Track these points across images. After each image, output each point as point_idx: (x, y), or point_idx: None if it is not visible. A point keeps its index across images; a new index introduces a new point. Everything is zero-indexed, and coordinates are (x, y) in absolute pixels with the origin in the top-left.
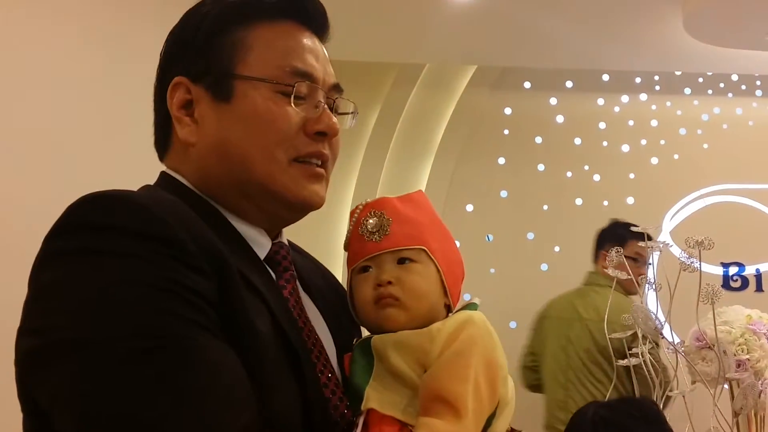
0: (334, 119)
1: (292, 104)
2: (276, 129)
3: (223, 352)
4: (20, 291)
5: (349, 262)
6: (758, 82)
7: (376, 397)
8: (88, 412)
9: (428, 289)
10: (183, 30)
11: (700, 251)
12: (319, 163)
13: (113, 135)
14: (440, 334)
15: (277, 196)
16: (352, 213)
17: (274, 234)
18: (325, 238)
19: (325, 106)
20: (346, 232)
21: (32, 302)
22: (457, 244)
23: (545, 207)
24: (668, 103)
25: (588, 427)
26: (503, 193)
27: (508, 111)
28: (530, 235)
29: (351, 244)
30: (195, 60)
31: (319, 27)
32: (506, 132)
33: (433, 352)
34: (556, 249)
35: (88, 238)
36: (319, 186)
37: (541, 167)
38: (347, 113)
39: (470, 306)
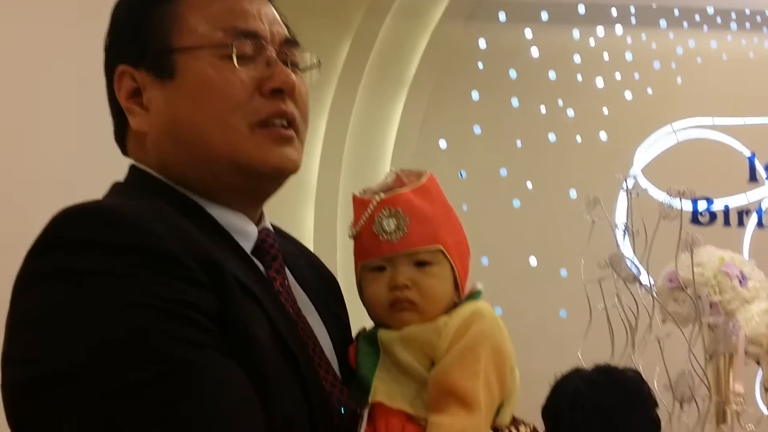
0: (291, 74)
1: (237, 65)
2: (225, 96)
3: (227, 370)
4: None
5: (359, 256)
6: (733, 15)
7: (383, 390)
8: None
9: (444, 292)
10: (116, 17)
11: (681, 201)
12: (286, 123)
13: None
14: (448, 328)
15: (243, 167)
16: (360, 202)
17: (257, 216)
18: (297, 180)
19: (278, 61)
20: (353, 222)
21: (16, 328)
22: None
23: (518, 143)
24: (643, 36)
25: (567, 402)
26: (476, 129)
27: (482, 44)
28: (503, 172)
29: (362, 239)
30: (131, 45)
31: None
32: (480, 66)
33: (441, 346)
34: (529, 185)
35: (72, 256)
36: (290, 149)
37: (515, 102)
38: (309, 68)
39: (474, 294)
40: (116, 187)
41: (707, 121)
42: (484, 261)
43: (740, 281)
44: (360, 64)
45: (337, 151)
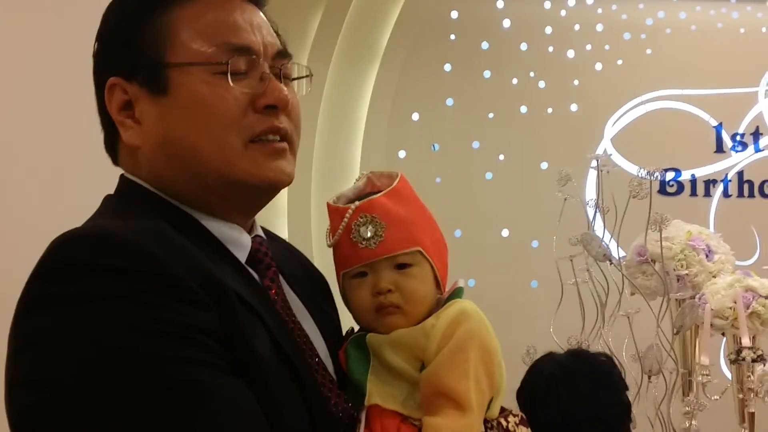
0: (284, 90)
1: (231, 82)
2: (220, 113)
3: (236, 389)
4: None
5: (340, 265)
6: None
7: (377, 392)
8: None
9: (426, 291)
10: (106, 28)
11: (651, 182)
12: (278, 138)
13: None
14: (435, 330)
15: (239, 183)
16: (335, 211)
17: (249, 225)
18: None
19: (272, 76)
20: (330, 232)
21: (21, 351)
22: (403, 154)
23: (490, 115)
24: (614, 7)
25: (542, 387)
26: (449, 101)
27: (454, 15)
28: (475, 144)
29: (341, 248)
30: (123, 57)
31: None
32: (452, 37)
33: (430, 348)
34: (501, 157)
35: (77, 281)
36: (284, 162)
37: (486, 74)
38: (301, 77)
39: (457, 291)
40: (110, 202)
41: (676, 92)
42: (457, 233)
43: (707, 255)
44: (331, 38)
45: (310, 126)
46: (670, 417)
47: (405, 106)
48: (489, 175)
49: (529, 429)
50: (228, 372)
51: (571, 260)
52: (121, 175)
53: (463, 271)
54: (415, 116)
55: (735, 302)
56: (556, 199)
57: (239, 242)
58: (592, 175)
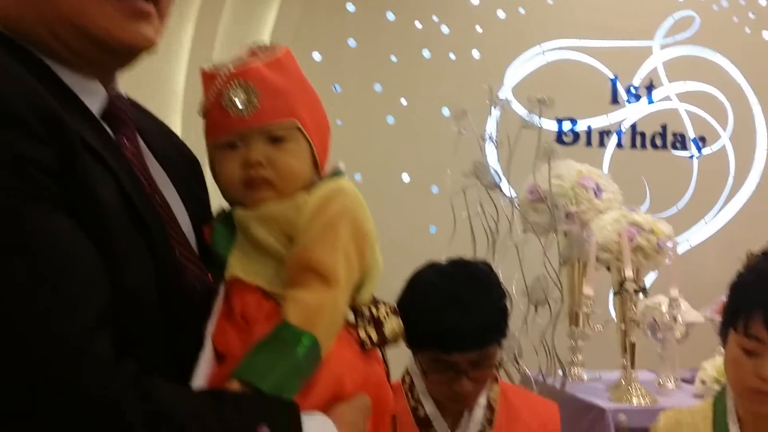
0: None
1: None
2: None
3: (69, 232)
4: None
5: (209, 134)
6: None
7: (239, 266)
8: None
9: (301, 169)
10: None
11: (540, 110)
12: None
13: None
14: (307, 206)
15: (90, 37)
16: (209, 77)
17: (108, 81)
18: (163, 88)
19: None
20: (203, 98)
21: None
22: None
23: (393, 58)
24: None
25: (420, 294)
26: (351, 42)
27: None
28: (377, 87)
29: (211, 116)
30: None
31: None
32: None
33: (300, 223)
34: (403, 101)
35: None
36: (145, 25)
37: (390, 16)
38: None
39: (336, 173)
40: None
41: (575, 42)
42: (357, 177)
43: (596, 193)
44: None
45: (206, 61)
46: (555, 346)
47: (306, 45)
48: (391, 119)
49: (400, 318)
50: (60, 211)
51: (464, 192)
52: None
53: None
54: (317, 56)
55: (620, 236)
56: (456, 143)
57: (92, 92)
58: (490, 117)
